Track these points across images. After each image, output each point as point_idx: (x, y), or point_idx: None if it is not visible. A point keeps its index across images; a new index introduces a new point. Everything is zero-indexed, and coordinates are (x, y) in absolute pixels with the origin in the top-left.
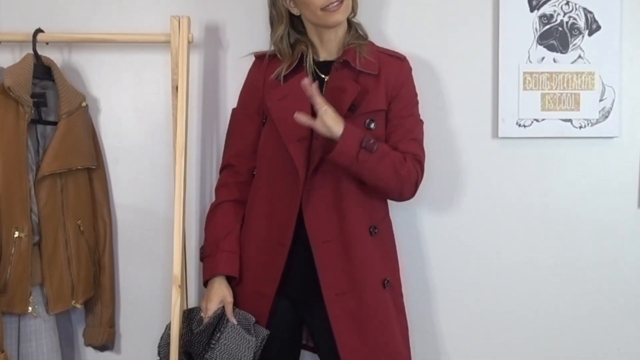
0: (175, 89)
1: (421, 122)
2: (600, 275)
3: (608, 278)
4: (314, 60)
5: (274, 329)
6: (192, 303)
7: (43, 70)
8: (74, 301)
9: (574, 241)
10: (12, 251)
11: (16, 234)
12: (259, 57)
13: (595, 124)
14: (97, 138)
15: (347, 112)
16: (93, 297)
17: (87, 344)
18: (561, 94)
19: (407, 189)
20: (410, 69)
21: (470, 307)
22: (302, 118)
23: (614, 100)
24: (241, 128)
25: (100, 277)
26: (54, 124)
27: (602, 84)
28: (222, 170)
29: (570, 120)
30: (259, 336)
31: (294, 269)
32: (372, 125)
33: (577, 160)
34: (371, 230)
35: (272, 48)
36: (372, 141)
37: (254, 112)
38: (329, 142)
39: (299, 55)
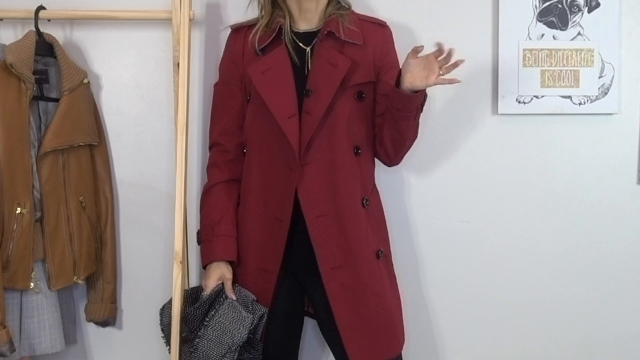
0: (177, 65)
1: None
2: (599, 250)
3: (607, 253)
4: (293, 31)
5: (279, 303)
6: (192, 278)
7: (45, 47)
8: (75, 277)
9: (573, 217)
10: (14, 227)
11: (18, 210)
12: (236, 30)
13: (595, 100)
14: (99, 114)
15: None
16: (95, 273)
17: (89, 320)
18: (561, 70)
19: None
20: (392, 35)
21: (462, 282)
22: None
23: (613, 77)
24: (224, 104)
25: (102, 253)
26: (56, 100)
27: (602, 60)
28: (210, 148)
29: (569, 97)
30: (257, 313)
31: (295, 244)
32: (362, 97)
33: (576, 137)
34: (364, 202)
35: (249, 19)
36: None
37: (236, 87)
38: (323, 118)
39: (277, 28)
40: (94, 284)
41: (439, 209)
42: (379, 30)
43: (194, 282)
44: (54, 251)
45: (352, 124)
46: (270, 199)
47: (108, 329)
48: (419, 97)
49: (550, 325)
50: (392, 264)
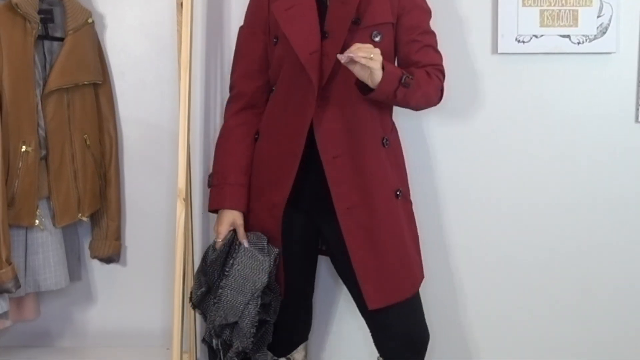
0: (180, 4)
1: (433, 31)
2: (597, 189)
3: (606, 191)
4: None
5: (294, 241)
6: (196, 216)
7: None
8: (80, 214)
9: (572, 156)
10: (20, 165)
11: (23, 148)
12: None
13: (593, 39)
14: (103, 54)
15: (352, 25)
16: (99, 210)
17: (93, 257)
18: (559, 10)
19: (433, 102)
20: None
21: (474, 216)
22: (342, 58)
23: (611, 17)
24: (246, 47)
25: (106, 190)
26: (61, 40)
27: (600, 0)
28: (230, 90)
29: (568, 36)
30: (272, 255)
31: (310, 182)
32: (378, 39)
33: (575, 76)
34: (384, 142)
35: None
36: (409, 78)
37: (259, 31)
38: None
39: None
40: (98, 221)
41: (439, 148)
42: None
43: (197, 220)
44: (58, 188)
45: None
46: (286, 134)
47: (112, 266)
48: (381, 90)
49: (552, 263)
50: (410, 204)
